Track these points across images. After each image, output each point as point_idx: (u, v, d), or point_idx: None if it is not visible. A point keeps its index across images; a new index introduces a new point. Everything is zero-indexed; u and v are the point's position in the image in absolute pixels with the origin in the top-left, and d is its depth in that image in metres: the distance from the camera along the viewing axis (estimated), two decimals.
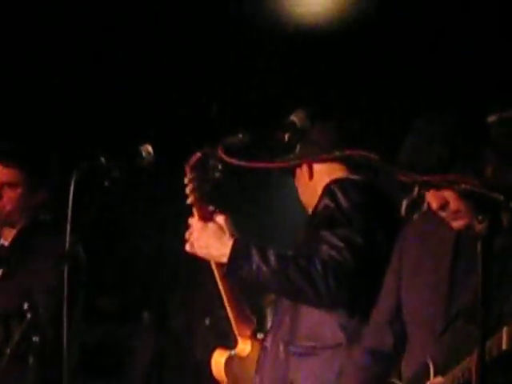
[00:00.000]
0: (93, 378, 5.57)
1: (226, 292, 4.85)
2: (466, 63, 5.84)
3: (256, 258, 4.52)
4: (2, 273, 5.47)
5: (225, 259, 4.57)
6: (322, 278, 4.42)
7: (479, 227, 3.40)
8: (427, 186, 3.83)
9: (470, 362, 3.56)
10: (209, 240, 4.61)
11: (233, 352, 5.00)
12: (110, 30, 6.12)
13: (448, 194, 3.82)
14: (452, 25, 5.63)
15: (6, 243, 5.54)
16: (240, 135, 4.59)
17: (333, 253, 4.45)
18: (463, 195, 3.73)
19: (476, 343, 3.31)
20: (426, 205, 4.22)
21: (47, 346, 4.76)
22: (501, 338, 3.44)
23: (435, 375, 3.77)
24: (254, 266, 4.51)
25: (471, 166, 3.85)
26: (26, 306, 4.73)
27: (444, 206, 3.85)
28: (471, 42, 5.67)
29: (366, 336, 4.27)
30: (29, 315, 4.69)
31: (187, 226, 4.68)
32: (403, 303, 4.12)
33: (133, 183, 4.70)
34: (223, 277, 4.72)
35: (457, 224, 3.86)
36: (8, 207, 5.39)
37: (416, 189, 4.31)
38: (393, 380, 4.07)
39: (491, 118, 5.66)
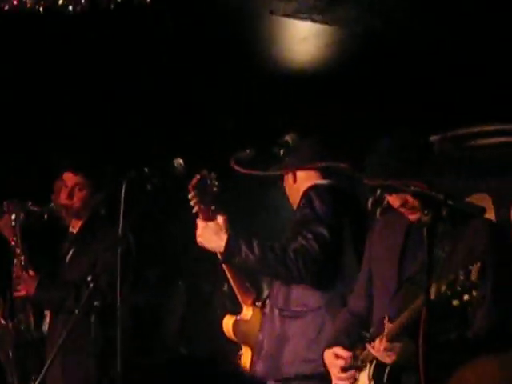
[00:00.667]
0: (139, 332, 5.56)
1: (229, 272, 4.96)
2: (416, 95, 5.79)
3: (244, 249, 4.62)
4: (72, 253, 5.44)
5: (222, 250, 4.67)
6: (293, 263, 4.53)
7: (425, 218, 3.49)
8: (388, 188, 3.93)
9: (411, 311, 3.63)
10: (210, 236, 4.71)
11: (238, 317, 5.08)
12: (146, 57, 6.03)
13: (407, 195, 3.87)
14: (401, 63, 5.59)
15: (75, 231, 5.50)
16: (247, 151, 4.66)
17: (303, 242, 4.54)
18: (415, 195, 3.78)
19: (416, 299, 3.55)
20: (385, 202, 4.25)
21: (106, 308, 4.66)
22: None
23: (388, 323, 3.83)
24: (243, 255, 4.62)
25: (419, 174, 3.84)
26: (89, 277, 4.55)
27: (404, 203, 3.90)
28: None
29: (349, 302, 4.35)
30: (92, 285, 4.48)
31: (196, 226, 4.77)
32: (372, 276, 4.20)
33: (168, 187, 4.51)
34: (222, 263, 4.84)
35: (413, 217, 3.93)
36: (77, 204, 5.37)
37: (378, 191, 4.18)
38: (363, 332, 4.05)
39: (433, 138, 5.77)
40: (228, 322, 5.07)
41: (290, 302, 4.74)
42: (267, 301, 4.97)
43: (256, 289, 5.18)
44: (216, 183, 4.77)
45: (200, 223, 4.73)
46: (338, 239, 4.65)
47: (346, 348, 4.08)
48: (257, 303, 5.07)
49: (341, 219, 4.68)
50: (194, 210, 4.76)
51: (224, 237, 4.68)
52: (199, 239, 4.74)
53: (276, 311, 4.80)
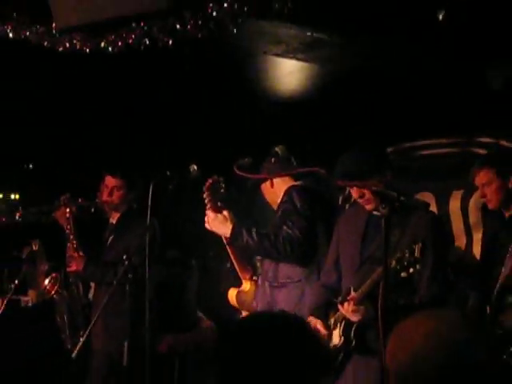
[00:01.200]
0: (161, 298, 5.53)
1: (232, 253, 5.06)
2: (375, 117, 5.83)
3: (245, 235, 4.70)
4: (112, 238, 5.53)
5: (228, 235, 4.77)
6: (282, 246, 4.61)
7: (383, 211, 3.48)
8: (348, 185, 4.11)
9: (371, 281, 3.81)
10: (218, 224, 4.79)
11: (239, 289, 5.17)
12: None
13: (365, 191, 4.00)
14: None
15: (114, 221, 5.57)
16: (246, 159, 4.76)
17: (288, 231, 4.63)
18: (373, 192, 3.90)
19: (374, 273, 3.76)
20: (352, 198, 4.44)
21: (138, 282, 4.66)
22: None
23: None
24: (244, 240, 4.71)
25: (378, 176, 3.98)
26: (125, 257, 4.77)
27: (361, 196, 4.03)
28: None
29: (321, 277, 4.46)
30: (126, 262, 4.69)
31: (205, 214, 4.85)
32: (340, 255, 4.31)
33: (185, 187, 4.74)
34: (227, 245, 4.95)
35: (368, 207, 4.07)
36: (115, 201, 5.45)
37: (347, 189, 4.35)
38: (334, 299, 4.16)
39: (389, 149, 5.87)
40: (232, 294, 5.17)
41: (277, 275, 4.81)
42: (259, 275, 5.05)
43: (252, 267, 5.20)
44: (223, 185, 4.86)
45: (210, 214, 4.81)
46: (313, 227, 4.71)
47: (323, 322, 4.14)
48: (254, 278, 5.13)
49: (314, 211, 4.72)
50: (207, 205, 4.83)
51: (230, 225, 4.75)
52: (209, 226, 4.82)
53: (266, 283, 4.87)
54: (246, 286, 5.16)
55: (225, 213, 4.83)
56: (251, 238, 4.72)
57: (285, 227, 4.66)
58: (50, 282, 5.59)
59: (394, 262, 3.61)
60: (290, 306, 4.59)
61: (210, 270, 5.85)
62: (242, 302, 5.14)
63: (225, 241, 4.92)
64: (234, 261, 5.14)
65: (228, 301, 5.24)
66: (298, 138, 5.00)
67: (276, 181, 4.95)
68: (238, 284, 5.22)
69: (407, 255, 3.59)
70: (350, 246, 4.25)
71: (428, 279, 3.88)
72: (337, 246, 4.37)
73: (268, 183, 5.00)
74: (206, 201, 4.86)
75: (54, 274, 5.58)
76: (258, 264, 5.24)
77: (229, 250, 5.05)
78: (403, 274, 3.62)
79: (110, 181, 5.47)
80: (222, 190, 4.88)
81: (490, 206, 4.64)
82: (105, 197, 5.48)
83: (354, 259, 4.18)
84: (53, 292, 5.57)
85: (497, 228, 4.78)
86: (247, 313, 5.08)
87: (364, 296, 3.88)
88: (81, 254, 5.39)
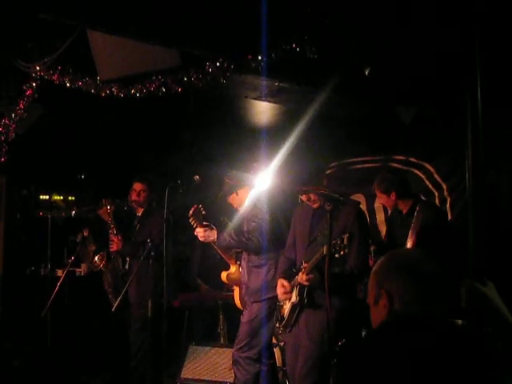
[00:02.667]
0: (176, 270, 5.50)
1: (218, 250, 4.91)
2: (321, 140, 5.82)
3: (227, 237, 4.58)
4: (139, 227, 5.46)
5: (215, 241, 4.65)
6: (256, 240, 4.49)
7: (328, 208, 3.56)
8: (304, 191, 3.99)
9: (318, 256, 3.79)
10: (207, 235, 4.62)
11: (228, 272, 5.01)
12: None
13: (311, 195, 4.00)
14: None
15: (139, 214, 5.50)
16: (233, 171, 4.80)
17: (258, 226, 4.52)
18: (319, 195, 3.91)
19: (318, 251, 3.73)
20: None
21: (158, 257, 4.63)
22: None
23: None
24: (227, 240, 4.59)
25: (319, 183, 4.00)
26: (148, 240, 4.84)
27: (309, 198, 4.03)
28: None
29: (285, 252, 4.33)
30: (150, 244, 4.75)
31: (194, 233, 4.70)
32: (295, 238, 4.25)
33: (190, 192, 4.65)
34: (215, 245, 4.78)
35: (314, 205, 4.06)
36: (141, 200, 5.39)
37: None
38: (293, 269, 4.15)
39: (333, 164, 5.82)
40: (224, 275, 5.04)
41: (253, 259, 4.66)
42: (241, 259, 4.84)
43: (235, 255, 5.00)
44: (202, 210, 4.69)
45: (198, 230, 4.65)
46: (277, 220, 4.56)
47: (286, 280, 4.10)
48: (237, 262, 4.96)
49: (276, 208, 4.59)
50: (194, 226, 4.70)
51: (214, 233, 4.61)
52: (201, 238, 4.66)
53: (245, 264, 4.72)
54: (233, 268, 5.01)
55: (210, 227, 4.67)
56: (231, 238, 4.60)
57: (254, 224, 4.56)
58: (98, 259, 5.57)
59: (330, 248, 3.60)
60: (263, 279, 4.53)
61: (210, 248, 5.51)
62: (232, 280, 5.01)
63: (213, 244, 4.77)
64: (221, 254, 5.00)
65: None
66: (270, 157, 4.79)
67: (241, 190, 4.76)
68: (227, 267, 5.08)
69: (339, 242, 3.59)
70: (301, 231, 4.20)
71: (354, 256, 3.85)
72: (294, 232, 4.30)
73: (234, 193, 4.82)
74: (192, 223, 4.71)
75: (101, 253, 5.56)
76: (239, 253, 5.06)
77: (216, 249, 4.92)
78: (336, 255, 3.63)
79: (137, 186, 5.42)
80: (203, 213, 4.72)
81: (389, 210, 4.92)
82: (134, 197, 5.43)
83: (304, 241, 4.14)
84: (101, 265, 5.56)
85: (398, 221, 4.85)
86: (236, 287, 4.96)
87: (312, 267, 3.84)
88: (119, 237, 5.35)
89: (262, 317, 4.56)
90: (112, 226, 5.37)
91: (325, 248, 3.60)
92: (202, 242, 4.84)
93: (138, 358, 5.32)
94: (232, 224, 4.75)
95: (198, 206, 4.73)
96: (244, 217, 4.72)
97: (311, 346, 3.92)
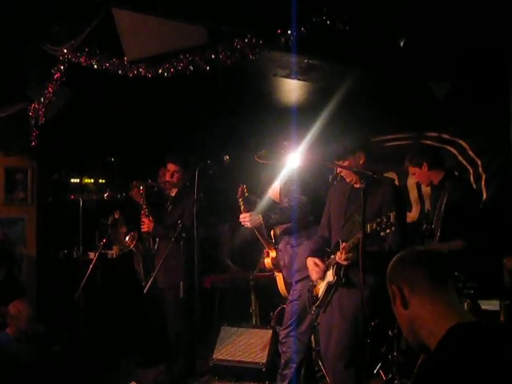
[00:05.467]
0: (205, 251, 5.36)
1: (259, 236, 4.90)
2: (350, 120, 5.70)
3: (272, 215, 4.54)
4: (171, 207, 5.33)
5: (262, 222, 4.58)
6: (297, 213, 4.47)
7: (361, 186, 3.48)
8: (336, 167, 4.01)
9: (357, 237, 3.65)
10: (253, 218, 4.59)
11: (270, 257, 4.95)
12: None
13: (348, 171, 3.89)
14: None
15: (173, 195, 5.35)
16: (263, 150, 4.58)
17: (299, 203, 4.48)
18: (355, 173, 3.78)
19: (359, 230, 3.54)
20: (339, 177, 4.24)
21: (188, 237, 4.66)
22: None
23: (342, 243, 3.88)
24: (273, 217, 4.55)
25: (353, 157, 3.85)
26: (179, 221, 4.84)
27: (345, 176, 3.94)
28: None
29: (318, 231, 4.25)
30: (180, 225, 4.74)
31: (239, 217, 4.72)
32: (330, 216, 4.16)
33: (220, 173, 4.58)
34: (256, 230, 4.81)
35: (348, 180, 3.95)
36: (175, 181, 5.24)
37: (335, 170, 4.21)
38: (327, 248, 4.06)
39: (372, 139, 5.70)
40: (267, 261, 5.00)
41: (292, 241, 4.65)
42: (280, 243, 4.81)
43: (273, 242, 4.97)
44: (246, 192, 4.72)
45: (245, 215, 4.65)
46: (309, 200, 4.52)
47: (320, 259, 4.02)
48: (276, 247, 4.91)
49: (307, 188, 4.55)
50: (241, 208, 4.74)
51: (259, 217, 4.59)
52: (248, 223, 4.65)
53: (283, 246, 4.73)
54: (273, 253, 4.97)
55: (253, 212, 4.69)
56: (275, 214, 4.57)
57: (293, 202, 4.53)
58: (129, 239, 5.50)
59: (375, 225, 3.49)
60: (304, 259, 4.39)
61: (240, 231, 5.48)
62: (275, 265, 4.94)
63: (255, 229, 4.76)
64: (262, 241, 4.97)
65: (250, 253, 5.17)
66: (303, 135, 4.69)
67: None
68: (257, 249, 5.13)
69: (385, 220, 3.45)
70: (337, 209, 4.11)
71: (393, 233, 3.66)
72: (328, 210, 4.20)
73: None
74: (241, 204, 4.73)
75: (132, 233, 5.49)
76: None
77: (257, 235, 4.91)
78: (382, 234, 3.50)
79: (171, 166, 5.30)
80: (246, 194, 4.73)
81: (424, 185, 4.86)
82: (168, 178, 5.31)
83: (339, 219, 4.05)
84: (132, 246, 5.49)
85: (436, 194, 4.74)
86: (278, 272, 4.93)
87: (352, 247, 3.73)
88: (150, 218, 5.25)
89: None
90: (144, 206, 5.28)
91: (368, 226, 3.49)
92: (237, 226, 4.84)
93: (181, 340, 5.20)
94: (266, 203, 4.75)
95: (243, 185, 4.73)
96: (277, 195, 4.69)
97: (344, 325, 3.83)
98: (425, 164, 4.53)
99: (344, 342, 3.81)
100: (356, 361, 3.74)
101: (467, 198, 4.45)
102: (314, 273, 4.03)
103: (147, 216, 5.28)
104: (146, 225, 5.27)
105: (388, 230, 3.45)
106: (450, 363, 1.54)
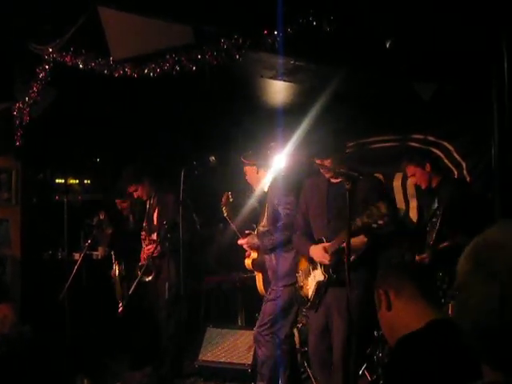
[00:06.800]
0: (193, 251, 5.31)
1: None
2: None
3: (268, 240, 4.52)
4: (152, 212, 5.26)
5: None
6: (286, 234, 4.40)
7: (348, 186, 3.35)
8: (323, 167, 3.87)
9: (342, 235, 3.61)
10: (251, 242, 4.69)
11: (251, 257, 4.93)
12: None
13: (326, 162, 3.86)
14: None
15: (151, 201, 5.25)
16: (250, 151, 4.70)
17: (292, 214, 4.38)
18: (341, 174, 3.66)
19: (343, 229, 3.52)
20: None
21: (174, 241, 4.62)
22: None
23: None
24: (270, 242, 4.49)
25: (338, 154, 3.88)
26: (164, 222, 4.77)
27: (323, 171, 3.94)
28: None
29: (297, 228, 4.18)
30: (165, 226, 4.71)
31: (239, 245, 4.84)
32: (310, 215, 4.10)
33: (206, 173, 4.56)
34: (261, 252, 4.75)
35: (327, 175, 3.94)
36: (143, 196, 5.20)
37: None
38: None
39: (351, 143, 5.73)
40: (248, 262, 4.97)
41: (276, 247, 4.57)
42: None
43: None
44: (231, 198, 4.72)
45: (243, 241, 4.77)
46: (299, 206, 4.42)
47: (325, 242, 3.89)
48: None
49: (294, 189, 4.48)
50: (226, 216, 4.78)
51: (257, 241, 4.67)
52: (247, 247, 4.77)
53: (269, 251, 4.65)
54: (254, 255, 4.94)
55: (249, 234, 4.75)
56: (272, 238, 4.49)
57: (287, 211, 4.43)
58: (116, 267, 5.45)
59: (365, 218, 3.42)
60: (292, 263, 4.40)
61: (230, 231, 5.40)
62: (256, 265, 4.92)
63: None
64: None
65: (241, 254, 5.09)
66: (288, 136, 4.66)
67: (260, 170, 4.71)
68: (242, 252, 5.02)
69: (375, 210, 3.39)
70: (317, 206, 4.05)
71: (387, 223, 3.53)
72: (306, 208, 4.12)
73: (254, 170, 4.73)
74: (224, 212, 4.75)
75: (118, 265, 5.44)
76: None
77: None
78: (374, 225, 3.42)
79: (130, 188, 5.19)
80: (231, 200, 4.71)
81: (423, 187, 4.68)
82: (136, 196, 5.25)
83: (322, 218, 3.99)
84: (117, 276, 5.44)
85: (427, 198, 4.72)
86: (258, 273, 4.90)
87: (337, 248, 3.68)
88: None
89: (290, 299, 4.47)
90: (131, 215, 5.32)
91: (359, 220, 3.44)
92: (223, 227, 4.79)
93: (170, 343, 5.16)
94: (263, 219, 4.67)
95: (228, 193, 4.70)
96: (274, 206, 4.57)
97: (344, 325, 3.76)
98: (428, 164, 4.56)
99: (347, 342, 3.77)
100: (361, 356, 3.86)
101: (469, 198, 4.50)
102: (326, 259, 3.84)
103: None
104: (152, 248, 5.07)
105: (381, 222, 3.38)
106: (419, 353, 1.78)
